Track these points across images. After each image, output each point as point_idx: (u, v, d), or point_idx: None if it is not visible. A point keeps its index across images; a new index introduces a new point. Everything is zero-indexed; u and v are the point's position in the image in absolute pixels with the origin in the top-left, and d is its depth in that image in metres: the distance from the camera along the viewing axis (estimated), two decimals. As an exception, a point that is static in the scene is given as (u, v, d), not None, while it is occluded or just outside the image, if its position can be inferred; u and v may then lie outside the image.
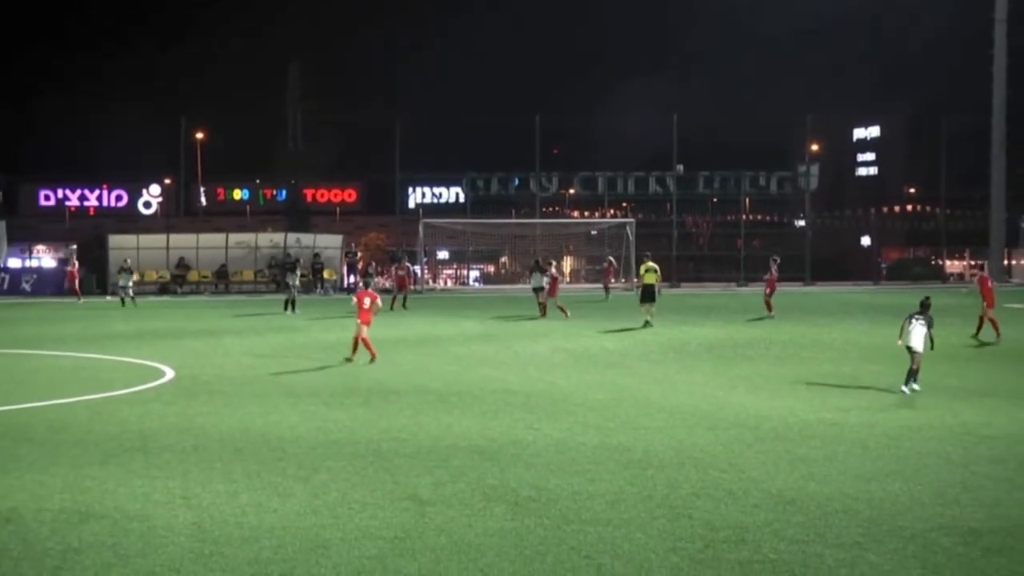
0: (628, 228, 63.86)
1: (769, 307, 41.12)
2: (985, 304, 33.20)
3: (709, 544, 11.66)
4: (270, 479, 14.64)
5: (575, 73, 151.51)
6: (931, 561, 11.10)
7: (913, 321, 22.51)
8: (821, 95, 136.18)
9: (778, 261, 43.46)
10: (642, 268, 40.47)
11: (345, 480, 14.55)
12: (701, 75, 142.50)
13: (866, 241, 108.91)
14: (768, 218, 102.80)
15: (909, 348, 22.35)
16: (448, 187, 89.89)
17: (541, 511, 12.97)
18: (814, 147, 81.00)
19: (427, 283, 67.15)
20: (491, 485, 14.23)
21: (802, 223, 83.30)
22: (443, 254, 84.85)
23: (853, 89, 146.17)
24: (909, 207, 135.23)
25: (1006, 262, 72.05)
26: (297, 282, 48.03)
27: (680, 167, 72.02)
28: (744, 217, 78.96)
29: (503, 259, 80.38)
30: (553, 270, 43.73)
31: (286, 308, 44.93)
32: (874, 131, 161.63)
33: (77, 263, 58.21)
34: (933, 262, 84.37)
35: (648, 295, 38.58)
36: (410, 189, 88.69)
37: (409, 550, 11.50)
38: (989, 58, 69.08)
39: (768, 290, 41.92)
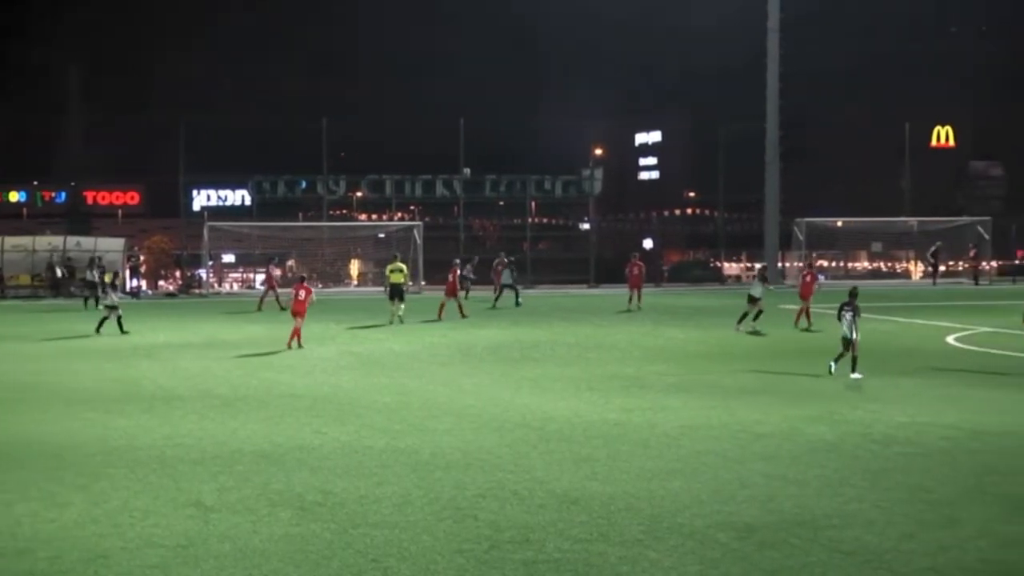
0: (416, 231, 63.88)
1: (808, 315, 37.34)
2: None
3: (495, 545, 11.79)
4: (47, 488, 14.27)
5: (362, 76, 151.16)
6: (708, 556, 11.42)
7: (843, 313, 24.66)
8: (605, 100, 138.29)
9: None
10: (388, 268, 41.64)
11: (126, 488, 14.28)
12: (488, 79, 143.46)
13: (648, 243, 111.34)
14: (554, 221, 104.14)
15: (845, 339, 24.51)
16: (234, 190, 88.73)
17: (327, 515, 12.94)
18: (598, 151, 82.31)
19: (212, 287, 66.08)
20: (277, 490, 14.14)
21: (587, 226, 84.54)
22: (229, 257, 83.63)
23: (636, 95, 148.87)
24: (689, 210, 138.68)
25: (780, 264, 74.29)
26: (98, 278, 48.75)
27: (467, 170, 72.32)
28: (530, 220, 79.76)
29: (290, 262, 79.64)
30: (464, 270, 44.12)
31: (95, 303, 46.60)
32: (655, 136, 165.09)
33: None
34: (712, 264, 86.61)
35: (396, 294, 39.83)
36: (195, 192, 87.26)
37: (192, 557, 11.35)
38: (764, 66, 71.05)
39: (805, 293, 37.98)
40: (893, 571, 11.02)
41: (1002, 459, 16.03)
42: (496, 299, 48.67)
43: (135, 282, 64.13)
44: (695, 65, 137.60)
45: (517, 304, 47.57)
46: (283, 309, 44.75)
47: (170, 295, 63.62)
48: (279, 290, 47.31)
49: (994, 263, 75.26)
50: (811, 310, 36.63)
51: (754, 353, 30.09)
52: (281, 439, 17.57)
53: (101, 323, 35.81)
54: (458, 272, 44.03)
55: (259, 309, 45.86)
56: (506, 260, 51.33)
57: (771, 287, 36.83)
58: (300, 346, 31.32)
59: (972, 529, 12.40)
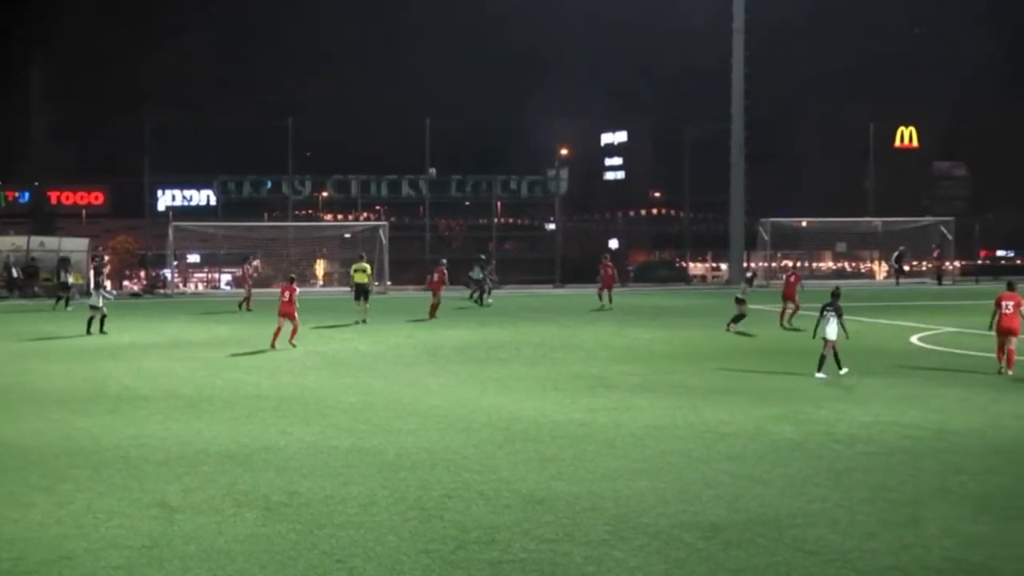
0: (381, 231, 63.75)
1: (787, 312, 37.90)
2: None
3: (460, 545, 11.80)
4: (11, 489, 14.20)
5: (328, 76, 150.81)
6: (674, 556, 11.45)
7: (825, 313, 24.96)
8: (571, 101, 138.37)
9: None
10: (352, 268, 42.37)
11: (91, 489, 14.21)
12: (455, 80, 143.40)
13: (614, 244, 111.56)
14: (520, 221, 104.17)
15: (824, 339, 24.85)
16: (199, 190, 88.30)
17: (293, 516, 12.92)
18: (563, 151, 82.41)
19: (177, 287, 65.80)
20: (242, 491, 14.10)
21: (553, 226, 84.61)
22: (194, 257, 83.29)
23: (602, 95, 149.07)
24: (655, 211, 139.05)
25: (745, 265, 74.52)
26: (71, 280, 50.36)
27: (433, 171, 72.24)
28: (496, 220, 79.80)
29: (256, 262, 79.37)
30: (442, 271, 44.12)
31: (65, 304, 47.77)
32: (621, 136, 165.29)
33: None
34: (678, 264, 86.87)
35: (360, 294, 40.41)
36: (159, 192, 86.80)
37: (157, 558, 11.31)
38: (730, 67, 71.25)
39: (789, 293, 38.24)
40: (856, 570, 11.09)
41: (966, 459, 16.14)
42: (484, 296, 49.54)
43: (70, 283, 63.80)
44: (661, 65, 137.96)
45: (482, 304, 47.68)
46: (249, 310, 44.74)
47: (135, 295, 63.28)
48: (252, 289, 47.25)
49: (957, 263, 75.73)
50: (788, 310, 37.00)
51: (720, 353, 30.18)
52: (247, 440, 17.52)
53: (101, 323, 35.64)
54: (445, 272, 44.13)
55: (240, 309, 45.69)
56: (481, 257, 51.82)
57: (750, 291, 36.90)
58: (273, 346, 31.36)
59: (935, 528, 12.49)
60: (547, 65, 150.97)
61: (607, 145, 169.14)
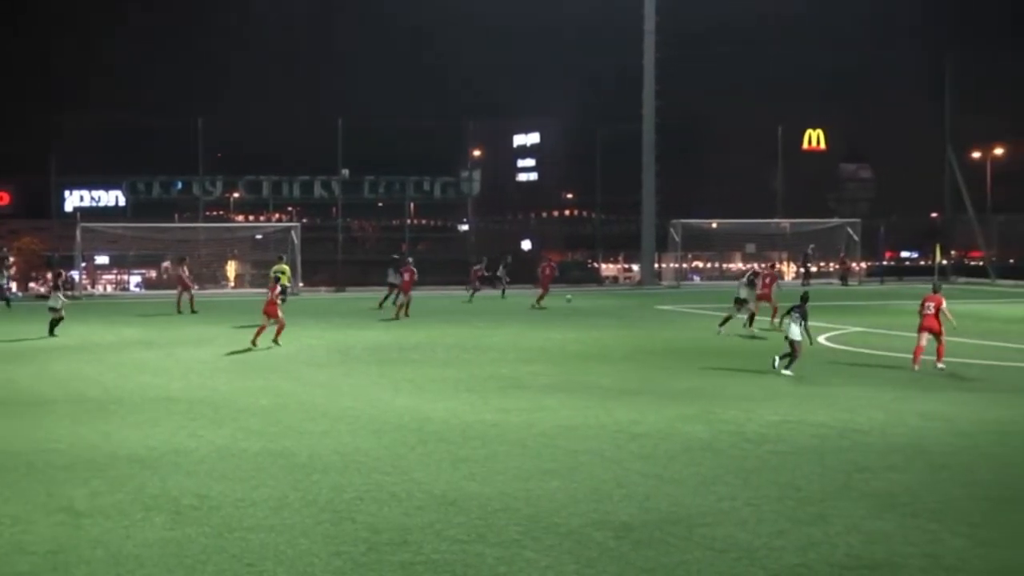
0: (294, 232, 63.43)
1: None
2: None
3: (372, 547, 11.78)
4: (-87, 496, 13.96)
5: (238, 75, 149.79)
6: (585, 556, 11.53)
7: (792, 314, 25.80)
8: (484, 102, 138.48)
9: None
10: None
11: (-4, 494, 14.02)
12: (367, 80, 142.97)
13: (527, 245, 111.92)
14: (433, 222, 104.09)
15: (787, 338, 25.70)
16: (108, 190, 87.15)
17: (203, 519, 12.83)
18: (476, 153, 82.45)
19: (85, 288, 64.96)
20: (151, 494, 13.98)
21: (466, 227, 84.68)
22: (103, 259, 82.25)
23: (515, 97, 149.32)
24: (567, 212, 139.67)
25: (657, 266, 75.01)
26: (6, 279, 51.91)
27: (345, 171, 71.95)
28: (409, 221, 79.66)
29: (165, 264, 78.55)
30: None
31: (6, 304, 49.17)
32: (534, 138, 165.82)
33: None
34: (590, 265, 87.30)
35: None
36: (67, 192, 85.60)
37: (63, 564, 11.19)
38: (641, 68, 71.57)
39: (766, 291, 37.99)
40: (764, 568, 11.22)
41: (869, 456, 16.39)
42: (472, 296, 53.24)
43: (4, 284, 62.81)
44: (574, 67, 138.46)
45: (388, 304, 47.66)
46: (180, 312, 44.38)
47: (41, 297, 62.33)
48: (179, 290, 46.84)
49: (863, 264, 76.75)
50: (757, 311, 36.97)
51: (631, 353, 30.38)
52: (156, 443, 17.36)
53: (53, 325, 35.19)
54: (414, 270, 43.68)
55: (180, 312, 45.12)
56: (394, 257, 51.85)
57: (756, 290, 36.72)
58: (276, 342, 31.97)
59: (840, 525, 12.67)
60: (459, 67, 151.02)
61: (520, 147, 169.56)
